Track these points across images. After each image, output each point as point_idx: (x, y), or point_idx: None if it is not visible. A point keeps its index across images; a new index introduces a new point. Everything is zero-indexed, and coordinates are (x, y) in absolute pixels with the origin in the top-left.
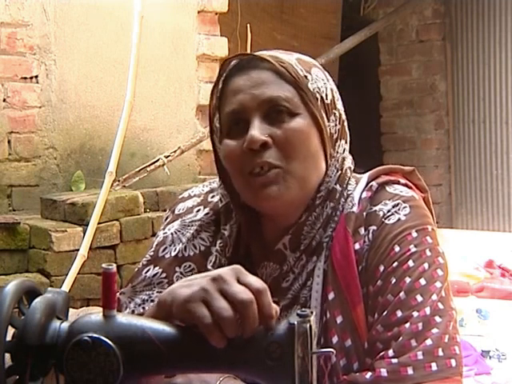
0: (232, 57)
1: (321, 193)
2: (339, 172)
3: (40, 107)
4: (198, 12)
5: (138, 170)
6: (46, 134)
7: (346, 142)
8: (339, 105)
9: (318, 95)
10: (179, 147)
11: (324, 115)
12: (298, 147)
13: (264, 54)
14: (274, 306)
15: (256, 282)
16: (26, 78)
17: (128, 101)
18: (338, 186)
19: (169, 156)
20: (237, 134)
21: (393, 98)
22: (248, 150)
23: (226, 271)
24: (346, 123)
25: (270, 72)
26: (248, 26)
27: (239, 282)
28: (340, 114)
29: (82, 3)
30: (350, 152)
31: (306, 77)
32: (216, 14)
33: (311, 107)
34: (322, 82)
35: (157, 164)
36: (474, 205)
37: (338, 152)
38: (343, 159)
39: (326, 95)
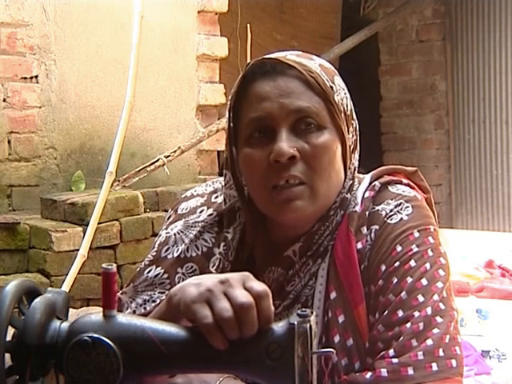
0: (256, 59)
1: (336, 204)
2: (351, 182)
3: (40, 107)
4: (198, 12)
5: (138, 170)
6: (46, 134)
7: (357, 152)
8: (354, 115)
9: (341, 107)
10: (179, 147)
11: (346, 128)
12: (324, 163)
13: (290, 59)
14: (272, 310)
15: (258, 286)
16: (26, 78)
17: (128, 101)
18: (348, 195)
19: (169, 156)
20: (259, 142)
21: (393, 97)
22: (274, 162)
23: (234, 275)
24: (358, 133)
25: (298, 81)
26: (248, 26)
27: (244, 286)
28: (356, 125)
29: (82, 3)
30: None
31: (331, 88)
32: (216, 14)
33: (337, 120)
34: (343, 93)
35: (157, 164)
36: (474, 205)
37: (353, 163)
38: (355, 169)
39: (347, 106)
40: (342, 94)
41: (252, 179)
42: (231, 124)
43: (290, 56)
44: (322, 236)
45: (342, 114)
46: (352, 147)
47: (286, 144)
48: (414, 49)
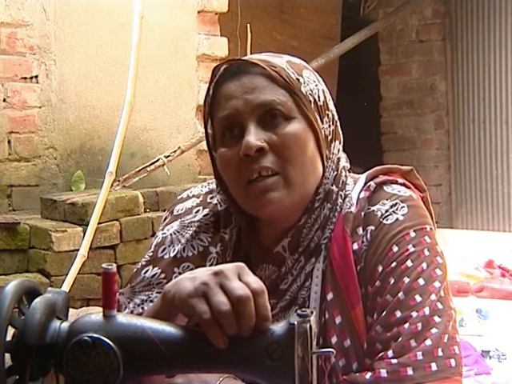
0: (222, 62)
1: (319, 195)
2: (335, 173)
3: (40, 107)
4: (198, 12)
5: (138, 170)
6: (46, 134)
7: (339, 143)
8: (331, 105)
9: (311, 98)
10: (179, 147)
11: (318, 117)
12: (295, 152)
13: (254, 58)
14: (269, 308)
15: (255, 282)
16: (26, 78)
17: (128, 101)
18: (334, 187)
19: (169, 156)
20: (231, 141)
21: (393, 97)
22: (244, 156)
23: (228, 267)
24: (338, 123)
25: (262, 77)
26: (248, 26)
27: (240, 279)
28: (333, 115)
29: (82, 3)
30: (350, 152)
31: (298, 80)
32: (216, 14)
33: (305, 110)
34: (313, 84)
35: (157, 164)
36: (474, 205)
37: (333, 153)
38: (338, 159)
39: (319, 97)
40: (311, 86)
41: (228, 178)
42: (209, 130)
43: (257, 56)
44: (311, 231)
45: (312, 105)
46: (330, 137)
47: (253, 137)
48: (414, 49)
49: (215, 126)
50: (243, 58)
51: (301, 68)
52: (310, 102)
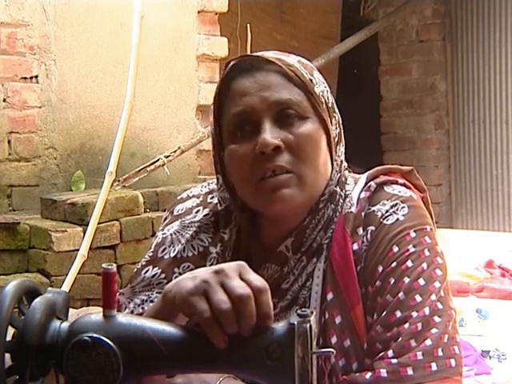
0: (234, 58)
1: (324, 196)
2: (339, 175)
3: (40, 107)
4: (198, 12)
5: (138, 170)
6: (46, 134)
7: (343, 145)
8: (336, 109)
9: (322, 99)
10: (179, 147)
11: (328, 119)
12: (309, 152)
13: (268, 55)
14: (271, 306)
15: (257, 280)
16: (26, 78)
17: (128, 101)
18: (337, 189)
19: (169, 156)
20: (243, 138)
21: (393, 97)
22: (260, 153)
23: (229, 266)
24: (342, 127)
25: (277, 75)
26: (248, 26)
27: (241, 278)
28: (338, 118)
29: (82, 3)
30: (351, 152)
31: (311, 80)
32: (216, 14)
33: (319, 111)
34: (323, 86)
35: (157, 164)
36: (474, 205)
37: (338, 155)
38: (341, 162)
39: (328, 98)
40: (322, 87)
41: (239, 174)
42: (217, 127)
43: (269, 53)
44: (315, 231)
45: (324, 106)
46: (336, 140)
47: (269, 135)
48: (414, 49)
49: (225, 122)
50: (256, 54)
51: (311, 69)
52: (322, 103)
